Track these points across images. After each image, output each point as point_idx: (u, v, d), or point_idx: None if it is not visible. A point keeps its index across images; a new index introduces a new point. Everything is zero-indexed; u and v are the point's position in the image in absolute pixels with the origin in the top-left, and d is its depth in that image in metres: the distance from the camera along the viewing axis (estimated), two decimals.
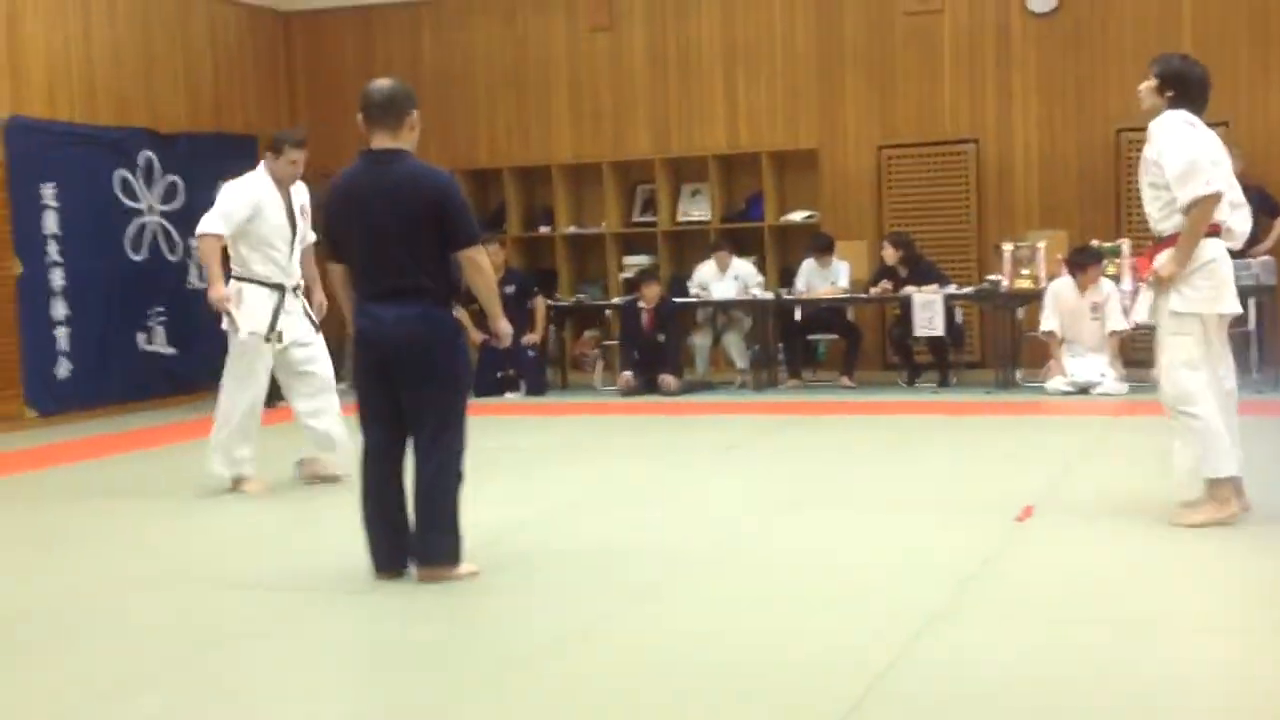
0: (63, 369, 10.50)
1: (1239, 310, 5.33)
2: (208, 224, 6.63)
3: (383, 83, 4.79)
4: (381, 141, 4.73)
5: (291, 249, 6.81)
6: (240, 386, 6.75)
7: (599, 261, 12.50)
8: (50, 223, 10.39)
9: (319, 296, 7.04)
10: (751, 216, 12.01)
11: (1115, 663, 3.62)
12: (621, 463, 7.58)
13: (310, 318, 6.95)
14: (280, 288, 6.75)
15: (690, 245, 12.18)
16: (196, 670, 3.90)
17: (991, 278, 10.53)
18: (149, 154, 11.35)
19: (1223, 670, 3.58)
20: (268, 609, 4.53)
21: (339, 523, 5.36)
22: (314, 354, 6.91)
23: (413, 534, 4.73)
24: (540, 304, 11.34)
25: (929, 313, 10.35)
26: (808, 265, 11.19)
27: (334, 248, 4.87)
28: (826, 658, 3.75)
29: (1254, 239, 10.26)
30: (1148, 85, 5.31)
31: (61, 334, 10.50)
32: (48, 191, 10.37)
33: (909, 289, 10.56)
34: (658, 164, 12.11)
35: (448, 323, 4.73)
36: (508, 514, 5.75)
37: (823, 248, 11.10)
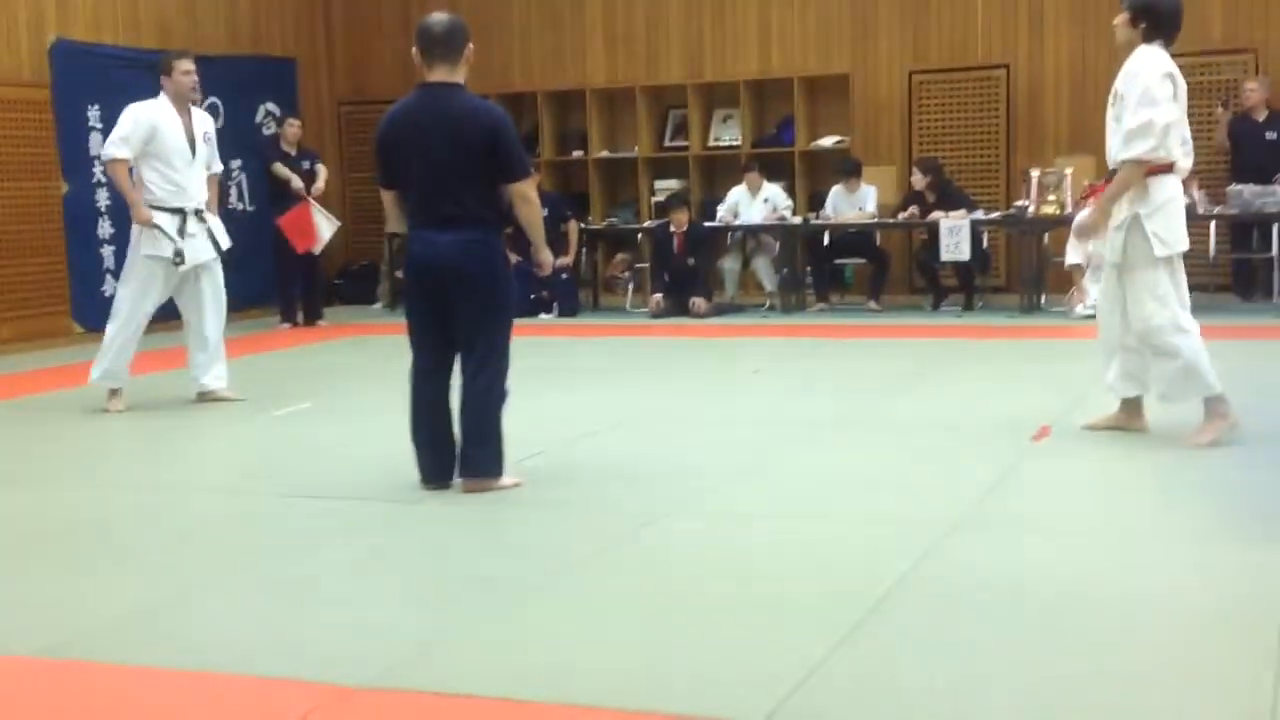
0: (109, 286, 10.79)
1: (1185, 248, 5.50)
2: (110, 149, 6.91)
3: (440, 17, 4.93)
4: (439, 75, 4.91)
5: (192, 170, 7.01)
6: (131, 302, 7.03)
7: (631, 186, 12.67)
8: (96, 144, 10.61)
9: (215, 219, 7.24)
10: (783, 141, 12.14)
11: (1115, 571, 3.86)
12: (652, 383, 7.83)
13: (215, 240, 7.14)
14: (181, 211, 6.96)
15: (722, 170, 12.34)
16: (261, 574, 4.19)
17: (1019, 203, 10.66)
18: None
19: (1217, 577, 3.81)
20: (327, 517, 4.81)
21: (385, 437, 5.64)
22: (214, 278, 7.16)
23: (459, 448, 5.00)
24: (573, 227, 11.55)
25: (955, 238, 10.50)
26: (836, 190, 11.34)
27: (387, 175, 5.07)
28: (845, 567, 4.01)
29: (1279, 165, 10.41)
30: (1121, 19, 5.41)
31: (107, 252, 10.79)
32: (93, 113, 10.61)
33: (936, 214, 10.71)
34: (690, 89, 12.23)
35: (498, 249, 4.95)
36: (546, 431, 6.01)
37: (851, 172, 11.25)
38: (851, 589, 3.73)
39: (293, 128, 11.41)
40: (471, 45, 4.95)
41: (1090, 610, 3.54)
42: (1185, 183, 10.14)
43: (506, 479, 5.01)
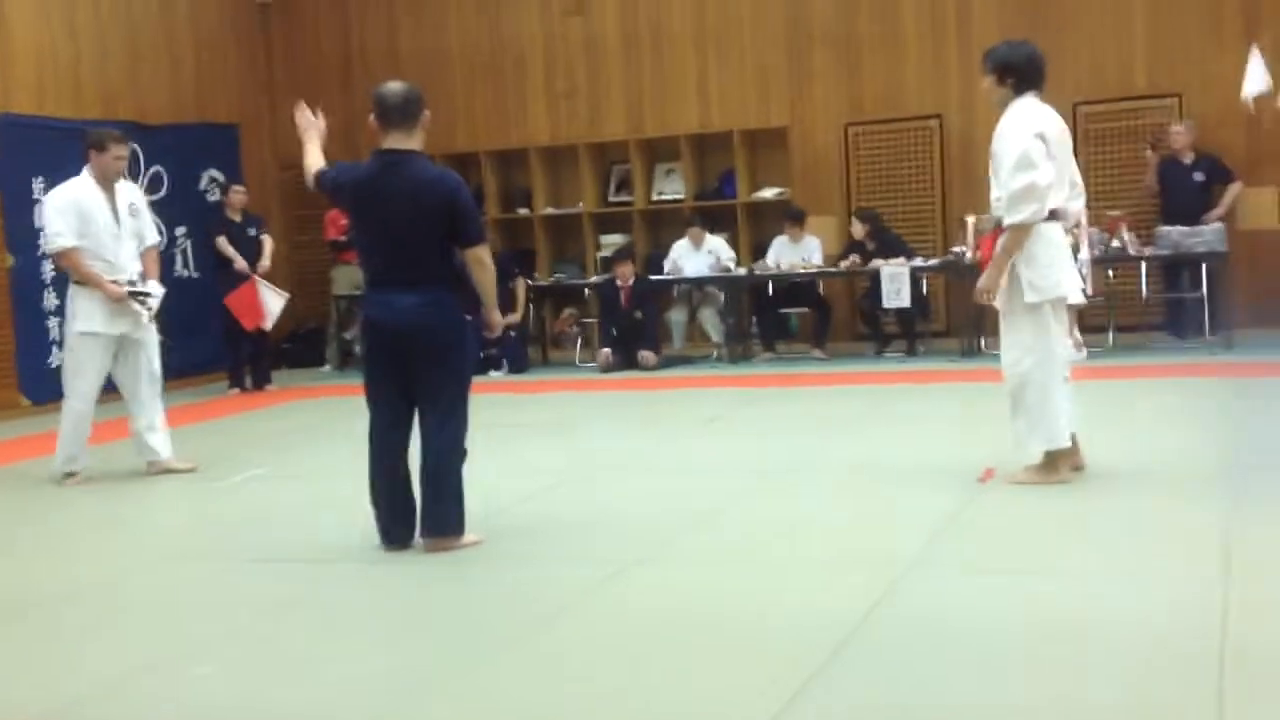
0: (55, 358, 10.75)
1: (1078, 297, 5.70)
2: (56, 242, 6.95)
3: (396, 86, 5.05)
4: (395, 141, 5.03)
5: (120, 245, 7.04)
6: (74, 384, 7.06)
7: (576, 241, 12.82)
8: (41, 216, 10.62)
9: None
10: (724, 194, 12.35)
11: (1067, 609, 4.00)
12: (605, 436, 7.94)
13: (148, 310, 7.15)
14: (114, 284, 6.98)
15: (666, 223, 12.52)
16: (231, 640, 4.23)
17: (956, 249, 10.90)
18: (134, 145, 11.54)
19: (1155, 613, 3.96)
20: (292, 581, 4.86)
21: (343, 499, 5.69)
22: (149, 350, 7.19)
23: (420, 507, 5.07)
24: (520, 284, 11.66)
25: (896, 284, 10.73)
26: (780, 240, 11.54)
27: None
28: (808, 609, 4.12)
29: (1207, 206, 10.75)
30: (988, 82, 5.62)
31: (53, 324, 10.75)
32: (38, 186, 10.60)
33: (877, 262, 10.94)
34: (632, 144, 12.42)
35: (455, 309, 5.05)
36: (503, 486, 6.09)
37: (795, 220, 11.46)
38: (815, 631, 3.84)
39: (238, 194, 11.47)
40: (427, 113, 5.08)
41: (1044, 643, 3.67)
42: (1114, 224, 10.52)
43: (468, 536, 5.08)
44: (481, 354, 11.16)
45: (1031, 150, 5.41)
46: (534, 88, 12.82)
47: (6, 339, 10.47)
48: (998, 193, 5.55)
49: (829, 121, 12.02)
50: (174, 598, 4.81)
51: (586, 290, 12.23)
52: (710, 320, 11.77)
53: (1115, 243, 10.53)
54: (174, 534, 6.08)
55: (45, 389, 10.64)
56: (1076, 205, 5.73)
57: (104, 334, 7.02)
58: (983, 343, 10.85)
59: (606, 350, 11.46)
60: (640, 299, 11.42)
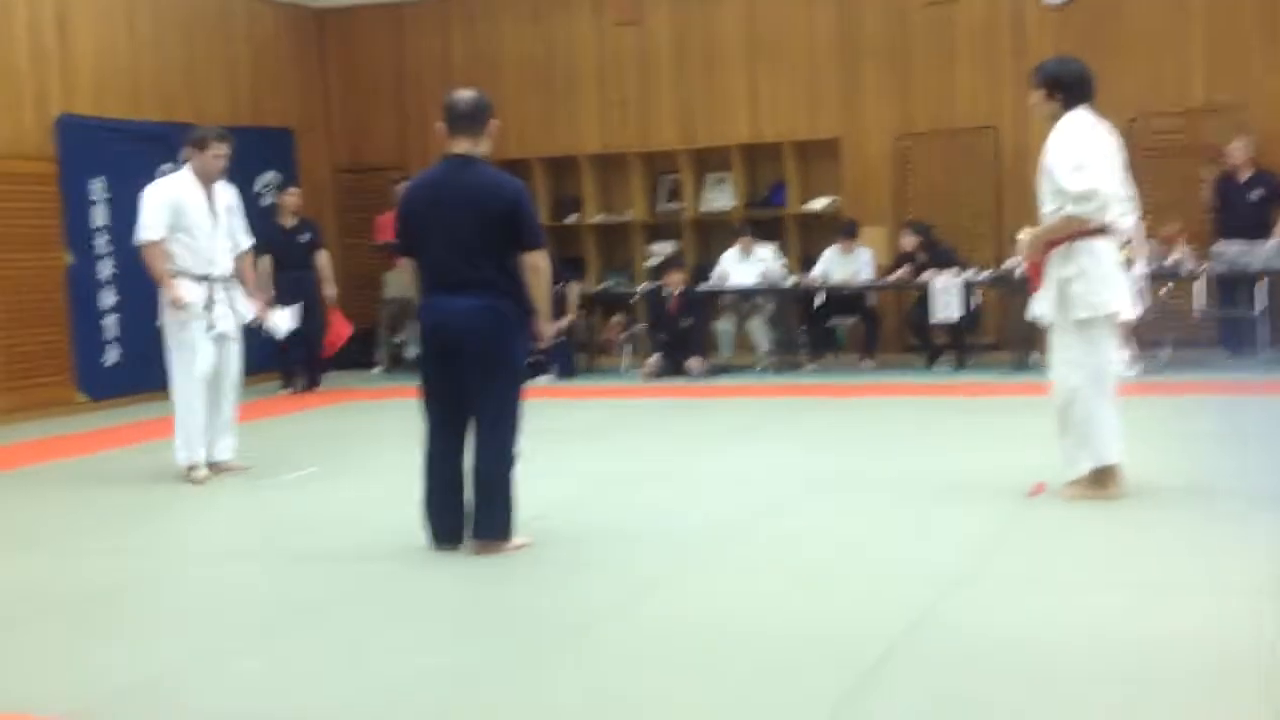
0: (111, 356, 10.92)
1: (1128, 310, 5.62)
2: (143, 234, 6.99)
3: (466, 94, 5.14)
4: (462, 147, 5.11)
5: (214, 241, 7.09)
6: (185, 369, 7.02)
7: (626, 249, 12.85)
8: (99, 216, 10.80)
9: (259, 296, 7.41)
10: (774, 204, 12.34)
11: (1116, 626, 3.96)
12: (651, 444, 7.94)
13: (236, 313, 7.22)
14: (207, 278, 7.05)
15: (715, 232, 12.52)
16: (275, 639, 4.28)
17: (1008, 263, 10.82)
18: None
19: (1205, 633, 3.91)
20: (338, 582, 4.90)
21: (393, 500, 5.74)
22: (233, 352, 7.22)
23: (470, 510, 5.11)
24: (571, 290, 11.70)
25: (947, 297, 10.67)
26: (830, 251, 11.51)
27: (408, 243, 5.23)
28: (851, 622, 4.10)
29: (1264, 222, 10.62)
30: (1036, 96, 5.64)
31: (109, 322, 10.91)
32: (97, 186, 10.78)
33: (927, 274, 10.88)
34: (683, 154, 12.44)
35: (511, 315, 5.09)
36: (551, 492, 6.11)
37: (848, 233, 11.44)
38: (855, 646, 3.82)
39: (292, 197, 11.56)
40: (495, 120, 5.16)
41: (1090, 661, 3.63)
42: (1170, 239, 10.42)
43: (516, 540, 5.12)
44: (530, 359, 11.20)
45: (1088, 155, 5.40)
46: (586, 97, 12.86)
47: (64, 337, 10.62)
48: (1049, 207, 5.52)
49: (880, 132, 11.99)
50: (220, 594, 4.87)
51: (635, 298, 12.25)
52: (759, 330, 11.76)
53: (1171, 258, 10.43)
54: (220, 532, 6.14)
55: (102, 386, 10.82)
56: (1129, 221, 5.68)
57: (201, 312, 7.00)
58: (1033, 357, 10.76)
59: (654, 357, 11.48)
60: (689, 307, 11.43)
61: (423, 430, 5.20)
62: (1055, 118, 5.57)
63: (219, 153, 7.07)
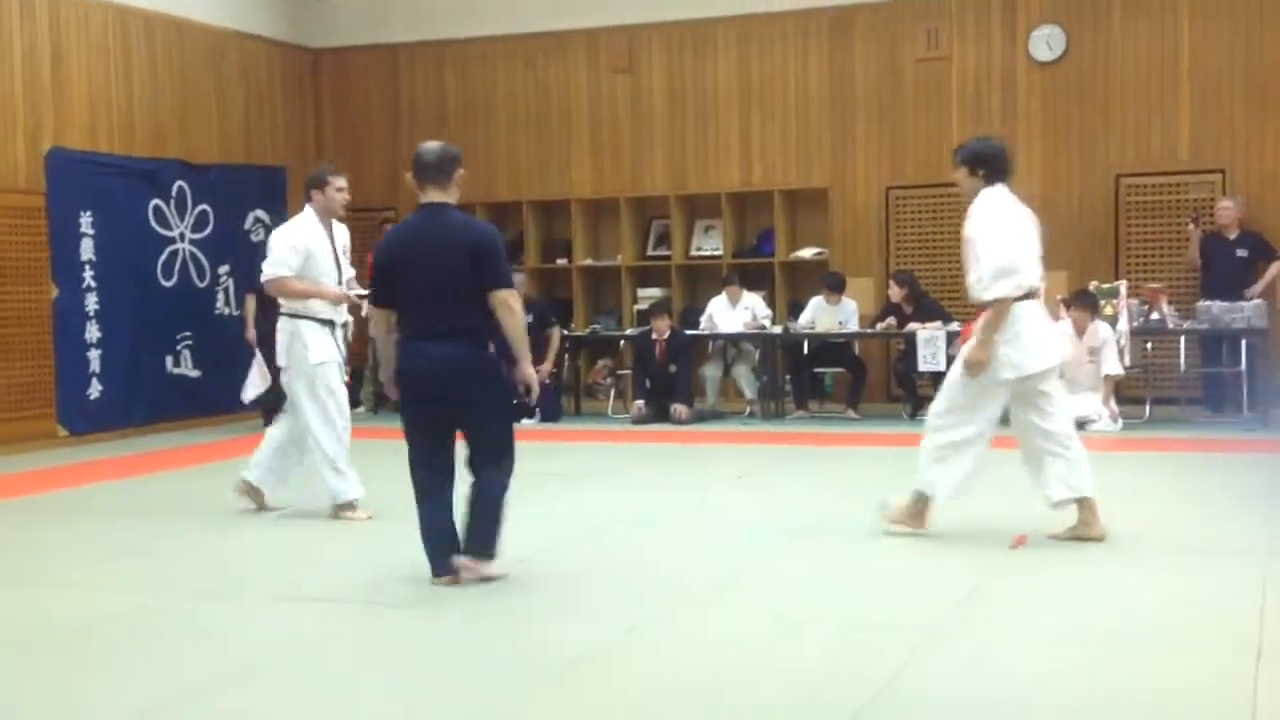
0: (94, 390, 10.88)
1: (1051, 364, 5.91)
2: (273, 269, 6.81)
3: (432, 146, 5.30)
4: (432, 196, 5.25)
5: (339, 284, 7.02)
6: (322, 415, 6.83)
7: (614, 293, 12.88)
8: (87, 249, 10.79)
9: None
10: (763, 252, 12.39)
11: (1093, 680, 3.96)
12: (634, 489, 7.93)
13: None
14: (331, 323, 6.97)
15: (703, 279, 12.57)
16: (270, 676, 4.25)
17: None
18: (181, 183, 11.77)
19: (1184, 686, 3.91)
20: (326, 619, 4.91)
21: (374, 539, 5.72)
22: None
23: (462, 527, 5.24)
24: (556, 333, 11.71)
25: (932, 348, 10.71)
26: (816, 300, 11.56)
27: (384, 291, 5.28)
28: (829, 673, 4.10)
29: (1249, 282, 10.71)
30: (959, 173, 5.98)
31: (94, 356, 10.88)
32: (85, 220, 10.78)
33: (913, 325, 10.93)
34: (673, 200, 12.50)
35: (487, 358, 5.19)
36: (529, 534, 6.09)
37: (834, 287, 11.48)
38: (834, 698, 3.81)
39: None
40: (462, 170, 5.29)
41: (1066, 715, 3.62)
42: (1154, 296, 10.52)
43: (498, 564, 5.22)
44: (515, 401, 11.18)
45: (1002, 231, 5.73)
46: (578, 141, 12.94)
47: (48, 370, 10.59)
48: (974, 275, 5.77)
49: (870, 184, 12.07)
50: (204, 631, 4.83)
51: (622, 342, 12.27)
52: (745, 377, 11.78)
53: (1155, 315, 10.49)
54: (208, 569, 6.08)
55: (84, 420, 10.77)
56: (1040, 283, 6.00)
57: (337, 360, 6.92)
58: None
59: (640, 402, 11.48)
60: (675, 353, 11.45)
61: (409, 470, 5.25)
62: (977, 191, 5.89)
63: (340, 185, 6.89)
